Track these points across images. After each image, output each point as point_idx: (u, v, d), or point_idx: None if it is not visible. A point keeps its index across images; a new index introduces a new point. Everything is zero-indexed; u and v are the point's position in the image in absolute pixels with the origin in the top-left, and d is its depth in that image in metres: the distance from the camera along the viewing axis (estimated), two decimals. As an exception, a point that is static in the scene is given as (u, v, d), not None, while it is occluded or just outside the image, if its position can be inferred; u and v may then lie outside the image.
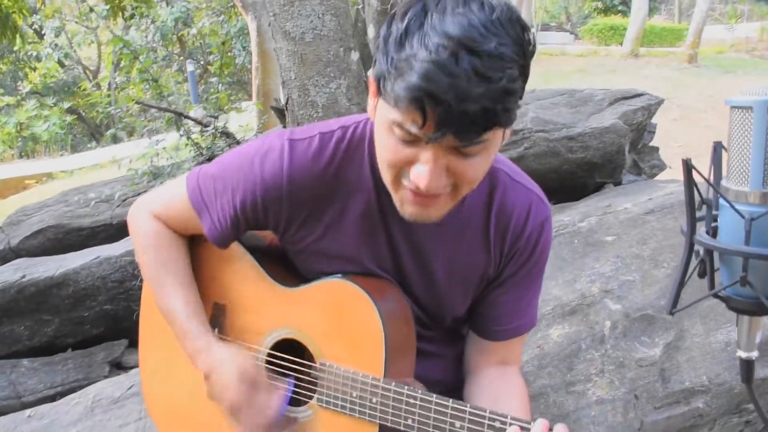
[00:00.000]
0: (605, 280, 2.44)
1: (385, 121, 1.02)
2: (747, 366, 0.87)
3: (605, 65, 15.21)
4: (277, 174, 1.19)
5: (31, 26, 16.20)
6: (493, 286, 1.30)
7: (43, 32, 17.16)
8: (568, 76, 13.98)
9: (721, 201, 0.81)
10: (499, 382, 1.31)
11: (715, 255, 0.87)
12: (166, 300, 1.35)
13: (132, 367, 3.14)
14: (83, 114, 19.96)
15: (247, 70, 12.24)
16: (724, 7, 22.80)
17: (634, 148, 4.11)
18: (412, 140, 0.99)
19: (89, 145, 18.11)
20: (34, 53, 16.43)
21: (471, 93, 0.90)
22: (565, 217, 2.93)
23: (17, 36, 6.87)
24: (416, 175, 1.01)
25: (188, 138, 4.12)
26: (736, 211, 0.78)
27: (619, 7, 23.09)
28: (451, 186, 1.04)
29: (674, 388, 2.10)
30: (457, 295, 1.30)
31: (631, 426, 2.06)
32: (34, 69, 15.72)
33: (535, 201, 1.25)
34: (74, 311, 3.33)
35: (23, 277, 3.28)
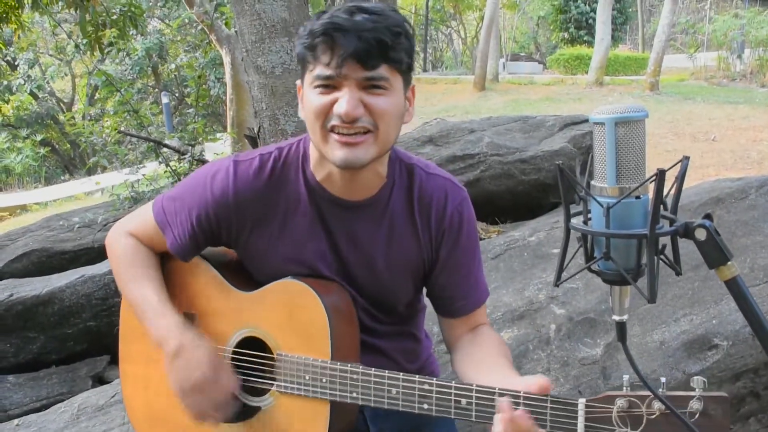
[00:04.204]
0: (551, 288, 2.57)
1: (308, 87, 1.26)
2: (620, 327, 1.08)
3: (571, 93, 15.52)
4: (225, 191, 1.41)
5: (3, 58, 16.19)
6: (437, 271, 1.49)
7: (16, 64, 17.17)
8: (535, 105, 14.26)
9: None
10: (471, 347, 1.47)
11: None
12: (138, 292, 1.46)
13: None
14: (56, 146, 19.85)
15: (221, 101, 12.40)
16: (685, 37, 23.48)
17: (585, 170, 4.35)
18: (329, 84, 1.23)
19: (63, 177, 18.02)
20: (5, 83, 16.38)
21: (365, 26, 1.20)
22: (517, 233, 3.11)
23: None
24: (339, 107, 1.23)
25: (167, 165, 4.29)
26: (597, 201, 1.02)
27: (585, 38, 23.63)
28: (370, 124, 1.27)
29: (615, 383, 2.22)
30: (400, 282, 1.49)
31: (576, 419, 2.23)
32: (7, 101, 15.71)
33: (449, 186, 1.46)
34: (59, 328, 3.40)
35: (11, 295, 3.35)
